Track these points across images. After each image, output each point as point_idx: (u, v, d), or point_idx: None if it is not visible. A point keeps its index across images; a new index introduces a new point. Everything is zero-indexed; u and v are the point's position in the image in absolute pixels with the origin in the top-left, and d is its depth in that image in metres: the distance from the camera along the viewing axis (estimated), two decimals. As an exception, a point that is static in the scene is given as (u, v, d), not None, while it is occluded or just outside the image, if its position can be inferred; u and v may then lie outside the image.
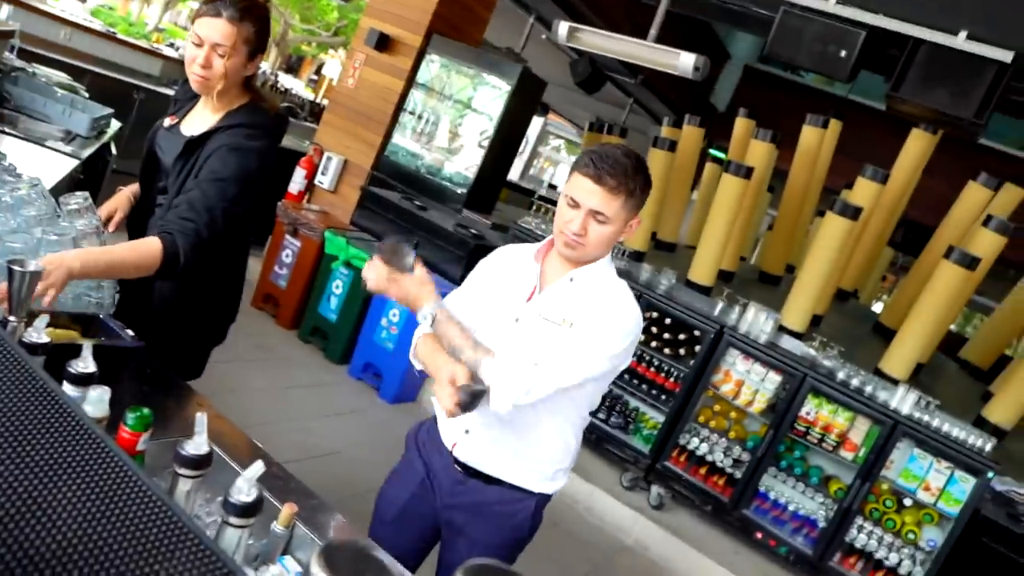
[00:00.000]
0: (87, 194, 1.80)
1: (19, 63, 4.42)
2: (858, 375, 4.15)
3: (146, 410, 1.03)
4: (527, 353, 1.64)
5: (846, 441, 4.03)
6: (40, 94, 3.88)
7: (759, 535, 4.19)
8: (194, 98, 2.11)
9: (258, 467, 0.98)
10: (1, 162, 1.84)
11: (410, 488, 1.87)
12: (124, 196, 2.15)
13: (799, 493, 4.23)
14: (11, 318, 1.17)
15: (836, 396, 4.02)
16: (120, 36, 8.21)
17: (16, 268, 1.15)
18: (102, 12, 16.02)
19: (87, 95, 4.52)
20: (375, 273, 1.71)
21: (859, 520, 3.99)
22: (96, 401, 1.04)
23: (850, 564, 4.03)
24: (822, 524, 4.10)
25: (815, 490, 4.18)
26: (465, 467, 1.79)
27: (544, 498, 1.85)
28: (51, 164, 3.17)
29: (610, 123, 6.67)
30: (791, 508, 4.21)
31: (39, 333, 1.16)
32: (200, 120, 2.04)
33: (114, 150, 4.26)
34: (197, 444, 0.98)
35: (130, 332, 1.64)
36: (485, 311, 1.78)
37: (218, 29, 1.86)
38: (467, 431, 1.77)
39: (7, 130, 3.40)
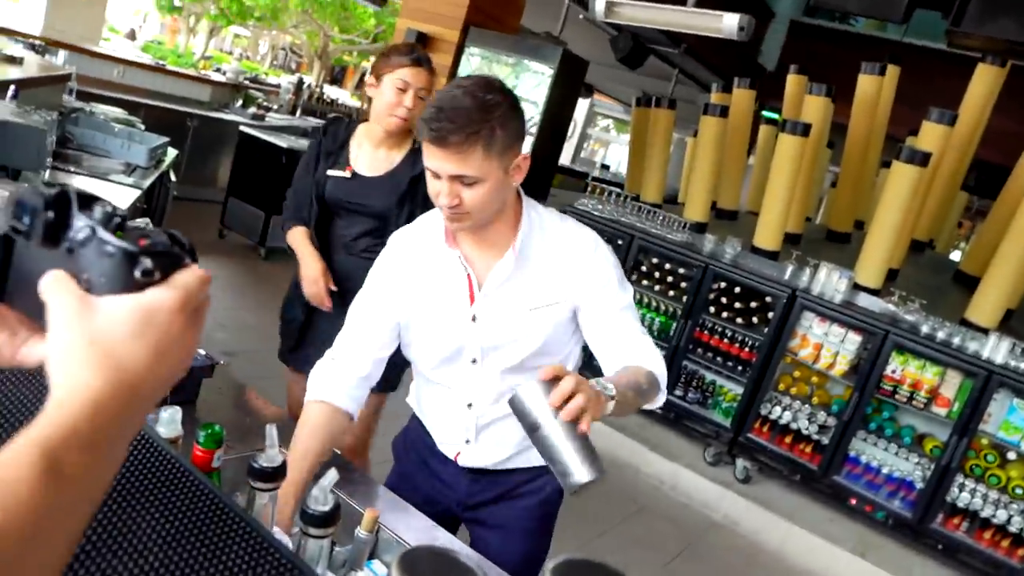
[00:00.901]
0: (147, 220, 1.83)
1: (78, 104, 4.58)
2: (943, 327, 3.97)
3: (217, 426, 1.03)
4: (633, 340, 1.51)
5: (937, 397, 3.86)
6: (99, 131, 4.01)
7: (853, 501, 4.06)
8: (344, 145, 2.33)
9: (332, 476, 0.97)
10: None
11: (417, 498, 1.65)
12: (319, 263, 2.34)
13: (892, 455, 4.08)
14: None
15: (922, 351, 3.85)
16: (169, 67, 8.44)
17: None
18: (152, 47, 16.54)
19: (143, 127, 4.65)
20: None
21: (960, 478, 3.82)
22: (168, 422, 1.05)
23: (954, 525, 3.87)
24: (920, 485, 3.95)
25: (909, 450, 4.03)
26: (475, 470, 1.67)
27: None
28: (115, 197, 3.27)
29: (657, 96, 6.54)
30: (885, 471, 4.06)
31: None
32: (383, 160, 2.31)
33: (173, 177, 4.36)
34: (270, 457, 0.98)
35: (202, 351, 1.66)
36: (425, 319, 1.56)
37: (422, 77, 2.20)
38: (467, 441, 1.63)
39: (72, 169, 3.52)
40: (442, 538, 1.48)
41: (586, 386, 1.16)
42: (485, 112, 1.32)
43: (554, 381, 1.13)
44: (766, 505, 4.15)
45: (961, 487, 3.82)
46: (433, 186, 1.40)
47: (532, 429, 1.13)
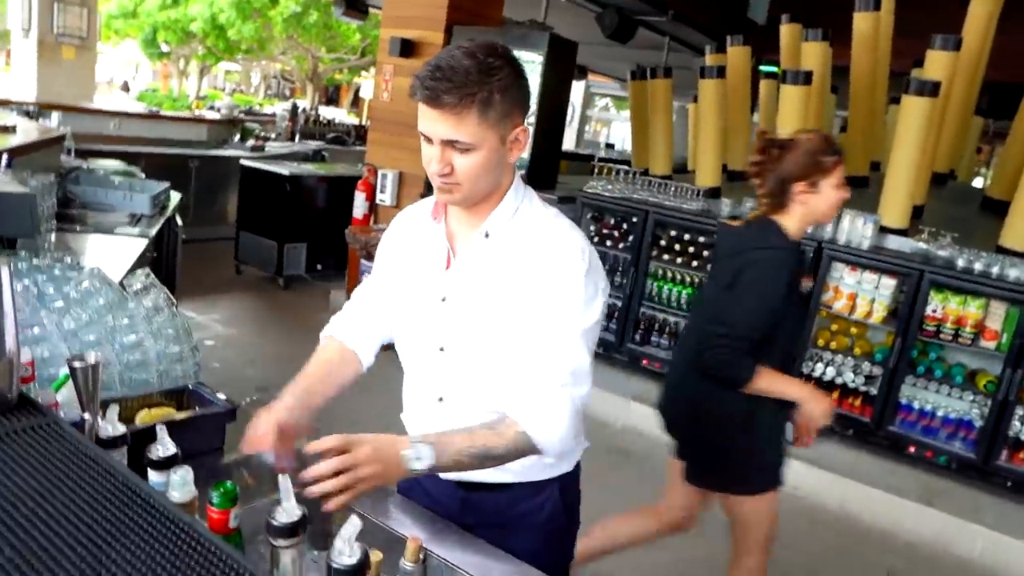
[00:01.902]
0: (147, 271, 1.80)
1: (76, 162, 4.57)
2: (979, 258, 3.84)
3: (229, 483, 0.97)
4: (541, 377, 1.33)
5: (984, 330, 3.74)
6: (100, 186, 4.00)
7: (912, 449, 3.95)
8: None
9: (354, 525, 0.90)
10: (64, 259, 1.86)
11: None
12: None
13: (945, 396, 3.96)
14: (85, 415, 1.14)
15: (961, 285, 3.73)
16: (163, 113, 8.48)
17: (76, 365, 1.13)
18: (147, 96, 16.69)
19: (144, 175, 4.65)
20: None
21: (1020, 410, 3.69)
22: (180, 485, 1.00)
23: (1021, 459, 3.74)
24: (978, 423, 3.83)
25: (962, 389, 3.91)
26: (464, 484, 1.51)
27: (569, 476, 1.56)
28: (124, 249, 3.25)
29: (652, 67, 6.43)
30: (940, 414, 3.95)
31: (114, 425, 1.13)
32: None
33: (180, 220, 4.34)
34: (288, 510, 0.92)
35: (222, 396, 1.62)
36: (403, 296, 1.47)
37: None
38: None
39: (78, 228, 3.51)
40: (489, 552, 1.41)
41: (365, 467, 1.14)
42: (485, 74, 1.22)
43: (336, 452, 1.14)
44: (822, 465, 4.04)
45: (1023, 420, 3.70)
46: (425, 152, 1.30)
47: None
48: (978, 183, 8.97)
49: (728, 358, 2.07)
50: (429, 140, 1.27)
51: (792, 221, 2.16)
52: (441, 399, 1.46)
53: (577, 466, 1.58)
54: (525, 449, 1.32)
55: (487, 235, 1.37)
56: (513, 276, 1.36)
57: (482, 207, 1.38)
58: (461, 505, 1.53)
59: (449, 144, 1.25)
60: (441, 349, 1.42)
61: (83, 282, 1.64)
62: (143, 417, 1.53)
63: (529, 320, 1.34)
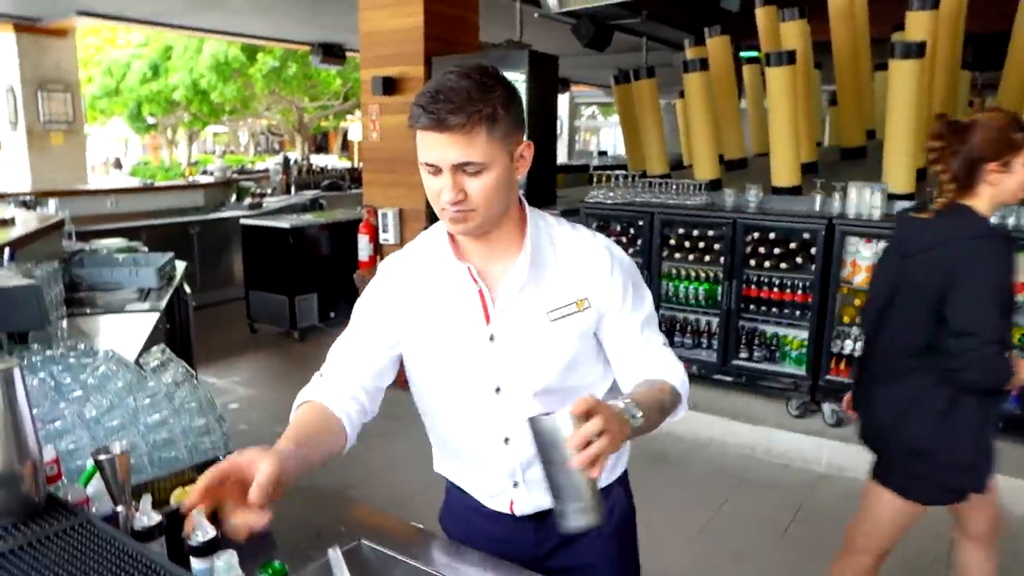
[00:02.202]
0: (163, 346, 1.77)
1: (78, 245, 4.58)
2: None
3: (277, 563, 0.94)
4: (650, 347, 1.40)
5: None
6: (104, 266, 4.00)
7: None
8: None
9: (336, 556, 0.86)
10: (77, 346, 1.84)
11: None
12: None
13: (980, 355, 3.89)
14: (118, 508, 1.11)
15: (979, 242, 3.67)
16: (157, 184, 8.54)
17: (102, 457, 1.09)
18: (139, 169, 16.85)
19: (147, 248, 4.65)
20: None
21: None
22: (225, 571, 0.96)
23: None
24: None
25: (996, 346, 3.84)
26: (537, 515, 1.47)
27: (624, 476, 1.59)
28: (137, 326, 3.23)
29: (634, 69, 6.42)
30: (978, 374, 3.87)
31: (148, 516, 1.09)
32: None
33: (188, 288, 4.34)
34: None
35: (254, 462, 1.58)
36: (436, 343, 1.40)
37: None
38: (515, 484, 1.44)
39: (88, 311, 3.50)
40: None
41: (613, 424, 1.08)
42: (485, 92, 1.21)
43: (584, 416, 1.06)
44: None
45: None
46: (432, 185, 1.25)
47: (546, 460, 1.10)
48: (976, 136, 8.87)
49: (991, 364, 1.95)
50: (436, 170, 1.23)
51: (982, 203, 2.05)
52: (507, 440, 1.41)
53: (626, 468, 1.59)
54: (677, 400, 1.36)
55: (527, 255, 1.33)
56: (558, 288, 1.35)
57: (496, 235, 1.34)
58: (536, 537, 1.49)
59: (460, 169, 1.21)
60: (497, 390, 1.38)
61: (99, 367, 1.61)
62: (178, 496, 1.50)
63: (607, 331, 1.39)
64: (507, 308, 1.35)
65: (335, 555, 0.93)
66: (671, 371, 1.39)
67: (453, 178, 1.21)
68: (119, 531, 0.99)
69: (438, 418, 1.50)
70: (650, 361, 1.40)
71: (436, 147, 1.21)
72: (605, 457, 1.07)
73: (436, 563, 1.42)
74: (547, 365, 1.35)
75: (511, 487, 1.45)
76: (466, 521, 1.54)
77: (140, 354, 1.79)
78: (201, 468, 1.62)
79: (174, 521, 1.33)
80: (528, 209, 1.39)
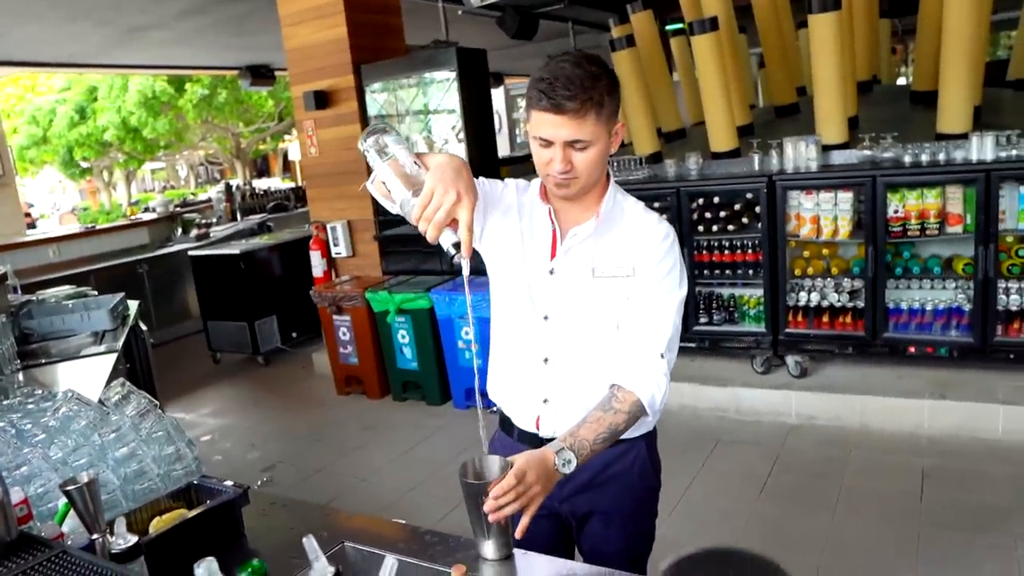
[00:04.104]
0: (123, 380, 1.75)
1: (24, 297, 4.47)
2: (924, 150, 3.91)
3: (255, 561, 0.94)
4: (642, 346, 1.51)
5: (948, 217, 3.80)
6: (54, 314, 3.91)
7: (912, 349, 3.99)
8: None
9: (390, 565, 0.88)
10: (35, 392, 1.80)
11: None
12: None
13: (929, 290, 4.01)
14: (93, 536, 1.10)
15: (914, 180, 3.79)
16: (99, 227, 8.35)
17: (71, 488, 1.09)
18: (80, 215, 16.42)
19: (96, 292, 4.56)
20: None
21: (1002, 284, 3.75)
22: (207, 577, 0.96)
23: (1015, 330, 3.79)
24: (967, 307, 3.87)
25: (943, 279, 3.97)
26: None
27: (651, 437, 1.70)
28: (95, 369, 3.18)
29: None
30: (929, 308, 3.99)
31: (124, 537, 1.09)
32: None
33: (143, 326, 4.26)
34: (319, 571, 0.90)
35: (229, 482, 1.58)
36: (510, 265, 1.62)
37: None
38: (545, 400, 1.62)
39: (44, 361, 3.43)
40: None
41: (534, 486, 1.31)
42: (595, 80, 1.40)
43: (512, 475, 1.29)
44: (832, 389, 4.07)
45: (1007, 291, 3.75)
46: (543, 156, 1.46)
47: (469, 506, 1.34)
48: (901, 82, 9.12)
49: None
50: (548, 143, 1.44)
51: None
52: (546, 360, 1.61)
53: (655, 428, 1.71)
54: (639, 415, 1.49)
55: (598, 216, 1.54)
56: (610, 254, 1.55)
57: (583, 198, 1.55)
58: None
59: (570, 145, 1.43)
60: (545, 317, 1.59)
61: (60, 408, 1.59)
62: (156, 525, 1.49)
63: (633, 293, 1.53)
64: (569, 251, 1.56)
65: (309, 543, 0.94)
66: (645, 383, 1.49)
67: (563, 152, 1.43)
68: (97, 556, 0.98)
69: (500, 337, 1.71)
70: (641, 334, 1.52)
71: (551, 126, 1.42)
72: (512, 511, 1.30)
73: (421, 554, 1.44)
74: (588, 313, 1.56)
75: (541, 403, 1.63)
76: (508, 446, 1.69)
77: (102, 392, 1.76)
78: (176, 495, 1.62)
79: (155, 548, 1.33)
80: (612, 183, 1.59)
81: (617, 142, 1.51)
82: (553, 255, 1.58)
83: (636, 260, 1.54)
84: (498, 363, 1.72)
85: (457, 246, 1.29)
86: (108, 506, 1.49)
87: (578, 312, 1.57)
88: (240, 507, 1.55)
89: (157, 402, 1.71)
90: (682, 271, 1.57)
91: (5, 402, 1.71)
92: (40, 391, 1.83)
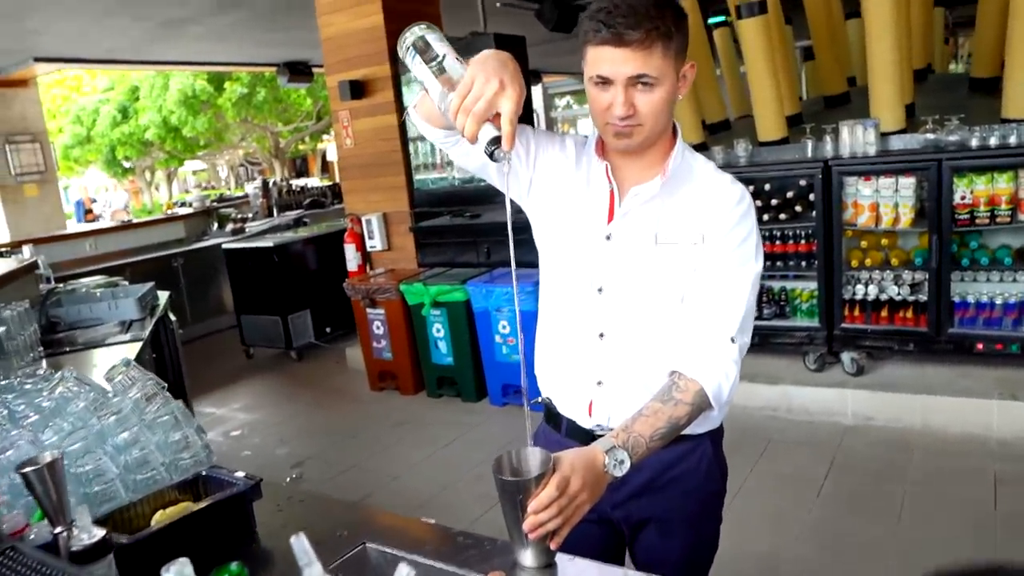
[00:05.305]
0: (127, 359, 1.61)
1: (52, 285, 4.41)
2: (992, 132, 3.64)
3: (234, 565, 0.79)
4: (710, 328, 1.31)
5: (1021, 203, 3.53)
6: (82, 302, 3.83)
7: (980, 346, 3.73)
8: None
9: (405, 574, 0.73)
10: (36, 372, 1.67)
11: None
12: None
13: (998, 283, 3.75)
14: (56, 529, 0.95)
15: (983, 164, 3.53)
16: (136, 220, 8.38)
17: (29, 470, 0.93)
18: (133, 211, 16.64)
19: (128, 283, 4.48)
20: None
21: (1080, 275, 3.48)
22: (176, 581, 0.80)
23: (1095, 324, 3.52)
24: (1041, 300, 3.61)
25: (1014, 270, 3.69)
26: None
27: (717, 434, 1.50)
28: (121, 356, 3.07)
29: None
30: (999, 301, 3.73)
31: (88, 533, 0.92)
32: None
33: (173, 317, 4.17)
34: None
35: (240, 473, 1.43)
36: (562, 230, 1.42)
37: None
38: (599, 382, 1.42)
39: (68, 349, 3.34)
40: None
41: (581, 494, 1.13)
42: (660, 8, 1.21)
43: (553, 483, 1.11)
44: (892, 388, 3.82)
45: (1085, 284, 3.48)
46: (601, 100, 1.26)
47: (504, 508, 1.14)
48: (955, 70, 8.80)
49: None
50: (606, 84, 1.24)
51: None
52: (602, 335, 1.42)
53: (721, 425, 1.52)
54: (703, 407, 1.29)
55: (664, 173, 1.34)
56: (675, 218, 1.35)
57: (647, 152, 1.35)
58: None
59: (633, 82, 1.22)
60: (600, 290, 1.40)
61: (56, 389, 1.45)
62: (159, 519, 1.34)
63: (701, 264, 1.33)
64: (629, 214, 1.36)
65: (299, 543, 0.78)
66: (712, 371, 1.29)
67: (625, 92, 1.23)
68: (52, 556, 0.83)
69: (549, 310, 1.51)
70: (701, 345, 1.32)
71: (611, 61, 1.21)
72: (568, 525, 1.13)
73: (452, 558, 1.27)
74: (646, 283, 1.37)
75: (595, 386, 1.43)
76: (555, 441, 1.50)
77: (107, 372, 1.63)
78: (183, 487, 1.47)
79: (153, 544, 1.18)
80: (679, 138, 1.38)
81: (686, 86, 1.31)
82: (611, 218, 1.37)
83: (706, 226, 1.33)
84: (546, 341, 1.52)
85: (497, 141, 1.09)
86: (105, 498, 1.35)
87: (637, 284, 1.37)
88: (251, 501, 1.40)
89: (164, 383, 1.56)
90: (758, 242, 1.36)
91: (3, 382, 1.59)
92: (41, 371, 1.70)
